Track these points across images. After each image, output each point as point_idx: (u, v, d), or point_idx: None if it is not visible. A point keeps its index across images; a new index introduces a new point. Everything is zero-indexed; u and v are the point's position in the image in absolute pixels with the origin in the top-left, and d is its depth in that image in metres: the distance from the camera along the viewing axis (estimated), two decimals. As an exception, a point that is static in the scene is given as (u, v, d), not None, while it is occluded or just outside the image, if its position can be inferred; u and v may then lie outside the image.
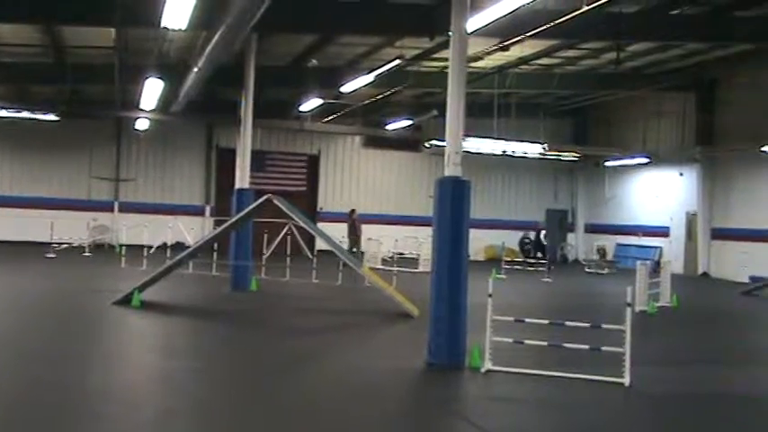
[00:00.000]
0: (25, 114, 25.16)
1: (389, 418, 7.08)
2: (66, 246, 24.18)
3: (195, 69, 16.38)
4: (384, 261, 23.86)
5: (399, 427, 6.85)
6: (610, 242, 30.51)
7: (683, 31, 18.84)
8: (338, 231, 22.78)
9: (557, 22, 14.22)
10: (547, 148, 28.30)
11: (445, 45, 9.82)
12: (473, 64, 20.50)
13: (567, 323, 9.23)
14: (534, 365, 8.72)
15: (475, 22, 11.84)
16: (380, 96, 24.50)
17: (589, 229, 33.22)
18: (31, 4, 15.03)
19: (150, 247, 22.04)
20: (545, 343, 9.09)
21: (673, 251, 27.34)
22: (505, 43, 17.68)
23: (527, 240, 30.97)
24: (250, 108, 17.37)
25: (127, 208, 28.89)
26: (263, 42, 18.21)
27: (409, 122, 28.12)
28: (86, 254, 24.19)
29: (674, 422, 7.29)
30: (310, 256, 19.99)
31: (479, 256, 30.12)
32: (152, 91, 20.22)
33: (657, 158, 27.93)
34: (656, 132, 28.50)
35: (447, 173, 9.26)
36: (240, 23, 11.83)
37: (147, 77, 18.34)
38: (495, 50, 19.22)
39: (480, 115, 24.73)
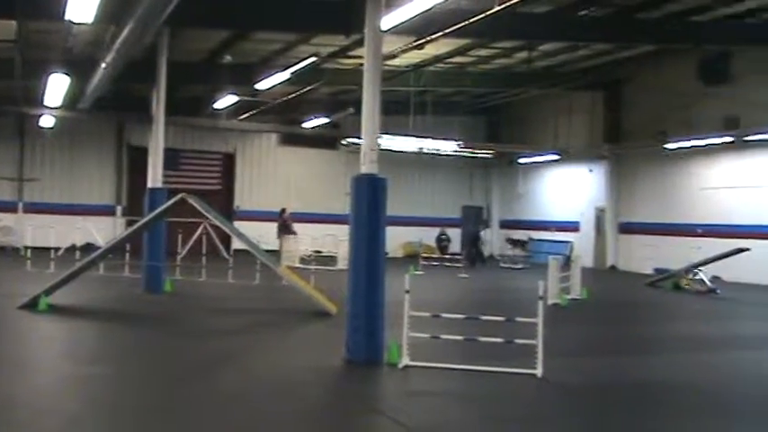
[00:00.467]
0: None
1: (308, 416, 7.05)
2: (-34, 249, 23.07)
3: (103, 65, 15.87)
4: (302, 260, 23.73)
5: (318, 424, 6.84)
6: (523, 237, 31.26)
7: (591, 33, 19.49)
8: (255, 230, 22.50)
9: (469, 21, 14.46)
10: (462, 146, 28.78)
11: (361, 42, 9.85)
12: (388, 62, 20.59)
13: (482, 317, 9.41)
14: (451, 360, 8.86)
15: (390, 20, 11.92)
16: (297, 94, 24.36)
17: (504, 225, 33.95)
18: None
19: (58, 249, 21.25)
20: (461, 337, 9.25)
21: (583, 245, 28.24)
22: (420, 42, 17.84)
23: (443, 237, 31.38)
24: (162, 105, 16.95)
25: (32, 208, 27.70)
26: (175, 37, 17.82)
27: (326, 120, 28.06)
28: (-11, 257, 23.13)
29: (584, 410, 7.53)
30: (226, 256, 19.69)
31: (398, 253, 30.36)
32: (57, 87, 19.47)
33: (568, 155, 28.80)
34: (567, 130, 29.35)
35: (363, 170, 9.29)
36: (151, 17, 11.52)
37: (51, 73, 17.65)
38: (411, 49, 19.38)
39: (396, 113, 24.94)
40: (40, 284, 13.43)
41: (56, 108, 23.83)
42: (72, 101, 22.56)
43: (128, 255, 18.68)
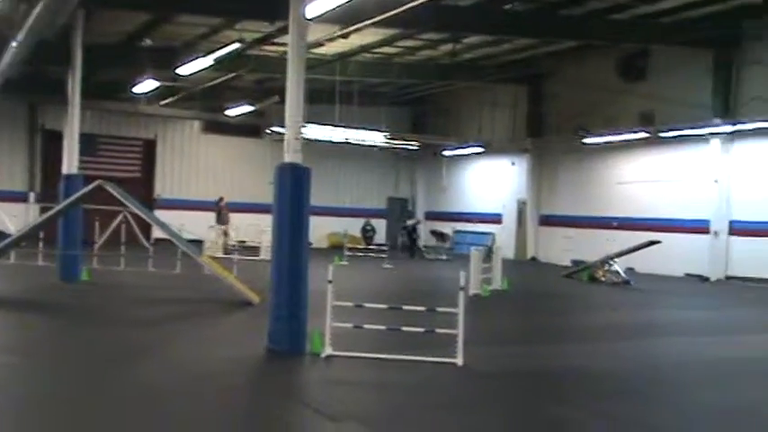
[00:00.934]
0: None
1: (228, 406, 6.96)
2: None
3: (14, 44, 15.20)
4: (225, 249, 23.39)
5: (239, 414, 6.75)
6: (447, 229, 31.61)
7: (514, 27, 19.85)
8: (177, 219, 22.04)
9: (395, 11, 14.50)
10: (388, 137, 28.87)
11: (286, 30, 9.72)
12: (314, 50, 20.49)
13: (405, 307, 9.48)
14: (373, 349, 8.89)
15: (315, 7, 11.83)
16: (220, 80, 23.96)
17: (428, 217, 34.26)
18: None
19: (-34, 237, 20.31)
20: (384, 327, 9.29)
21: (505, 237, 28.78)
22: (346, 31, 17.81)
23: (368, 227, 31.47)
24: (78, 88, 16.37)
25: (-64, 195, 26.44)
26: (92, 18, 17.23)
27: (250, 108, 27.68)
28: None
29: (502, 397, 7.68)
30: (147, 245, 19.22)
31: (322, 243, 30.27)
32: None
33: (491, 148, 29.25)
34: (491, 123, 29.80)
35: (287, 159, 9.20)
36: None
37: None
38: (337, 37, 19.32)
39: (322, 102, 24.80)
40: (-54, 274, 12.83)
41: (-38, 89, 22.72)
42: (-20, 82, 21.54)
43: (41, 243, 18.02)
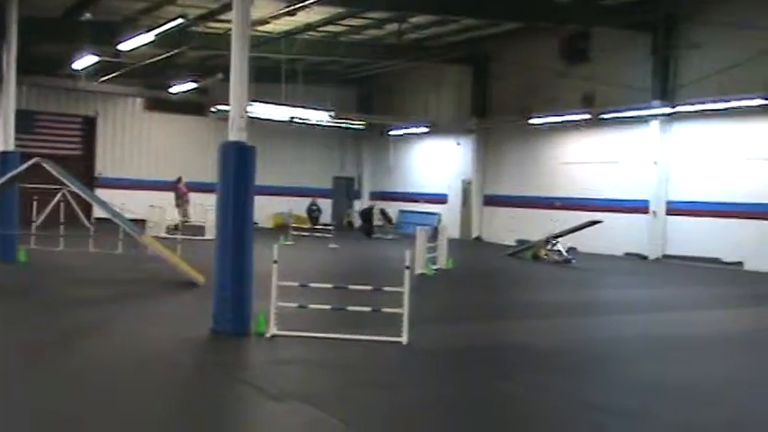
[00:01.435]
0: None
1: (171, 387, 6.92)
2: None
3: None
4: (168, 229, 23.06)
5: (181, 395, 6.72)
6: (393, 208, 31.69)
7: (459, 7, 19.91)
8: (118, 198, 21.63)
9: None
10: (334, 116, 28.74)
11: (230, 6, 9.57)
12: (259, 28, 20.22)
13: (351, 287, 9.52)
14: (318, 329, 8.92)
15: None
16: (163, 57, 23.46)
17: (374, 197, 34.30)
18: None
19: None
20: (329, 306, 9.32)
21: (450, 217, 29.01)
22: (292, 8, 17.61)
23: (314, 207, 31.37)
24: (13, 63, 15.84)
25: None
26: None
27: (194, 86, 27.22)
28: None
29: (446, 374, 7.81)
30: (87, 225, 18.81)
31: (268, 223, 30.06)
32: None
33: (437, 128, 29.39)
34: (436, 103, 29.96)
35: (231, 138, 9.11)
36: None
37: None
38: (282, 15, 19.09)
39: (267, 80, 24.52)
40: None
41: None
42: None
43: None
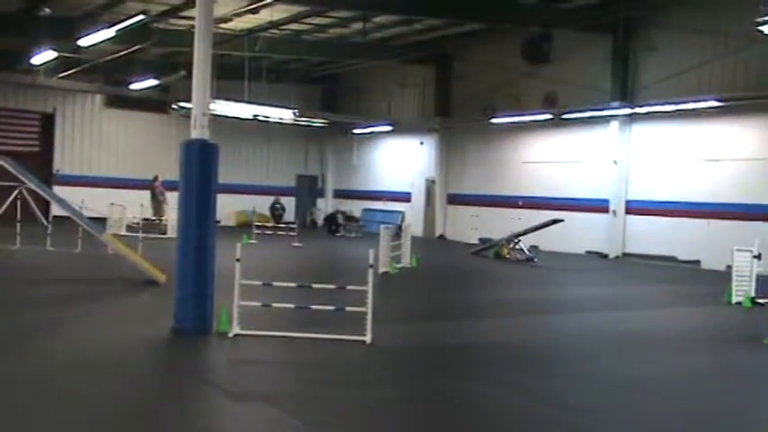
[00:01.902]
0: None
1: (131, 386, 6.84)
2: None
3: None
4: (129, 227, 22.76)
5: (143, 395, 6.65)
6: (357, 207, 31.67)
7: (421, 7, 19.98)
8: (77, 196, 21.28)
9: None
10: (297, 114, 28.64)
11: (193, 3, 9.49)
12: (222, 25, 20.07)
13: (314, 286, 9.50)
14: (282, 328, 8.89)
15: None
16: (124, 53, 23.14)
17: (338, 195, 34.27)
18: None
19: None
20: (292, 305, 9.29)
21: (414, 215, 29.11)
22: (255, 5, 17.50)
23: (278, 205, 31.23)
24: (-31, 58, 15.52)
25: None
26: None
27: (156, 82, 26.90)
28: None
29: (409, 373, 7.85)
30: (45, 223, 18.47)
31: (231, 221, 29.85)
32: None
33: (401, 127, 29.46)
34: (400, 102, 30.04)
35: (194, 135, 9.04)
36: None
37: None
38: (245, 12, 18.98)
39: (230, 78, 24.34)
40: None
41: None
42: None
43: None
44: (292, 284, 9.69)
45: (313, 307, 9.16)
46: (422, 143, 29.53)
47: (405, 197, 30.40)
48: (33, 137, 28.88)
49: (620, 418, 6.42)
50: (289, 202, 32.73)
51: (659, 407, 6.79)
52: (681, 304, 13.89)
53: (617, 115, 22.09)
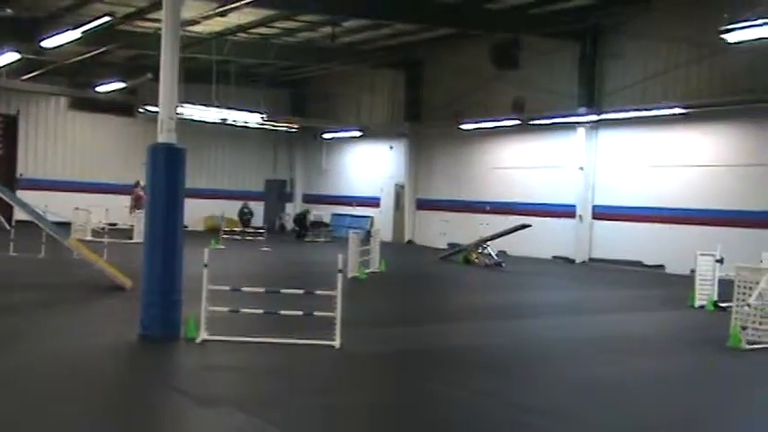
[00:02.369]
0: None
1: (97, 393, 6.74)
2: None
3: None
4: (94, 232, 22.44)
5: (110, 402, 6.55)
6: (326, 212, 31.60)
7: (390, 12, 20.04)
8: (41, 200, 20.92)
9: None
10: (266, 119, 28.52)
11: (160, 5, 9.40)
12: (190, 28, 19.94)
13: (283, 291, 9.45)
14: (250, 333, 8.83)
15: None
16: (89, 55, 22.85)
17: (307, 200, 34.15)
18: None
19: None
20: (261, 311, 9.23)
21: (383, 220, 29.13)
22: (223, 9, 17.40)
23: (246, 210, 31.05)
24: (-71, 59, 15.20)
25: None
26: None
27: (122, 85, 26.58)
28: None
29: (377, 377, 7.85)
30: (8, 227, 18.13)
31: (198, 226, 29.59)
32: None
33: (370, 132, 29.48)
34: (369, 107, 30.07)
35: (161, 139, 8.95)
36: None
37: None
38: (213, 15, 18.86)
39: (198, 81, 24.17)
40: None
41: None
42: None
43: None
44: (261, 289, 9.64)
45: (282, 312, 9.10)
46: (391, 148, 29.57)
47: (374, 202, 30.41)
48: (-5, 140, 28.39)
49: (588, 421, 6.47)
50: (257, 207, 32.56)
51: (626, 410, 6.86)
52: (645, 308, 14.07)
53: (583, 122, 22.34)
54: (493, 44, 24.65)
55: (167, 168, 8.91)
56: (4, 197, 13.96)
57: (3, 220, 18.80)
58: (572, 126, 22.72)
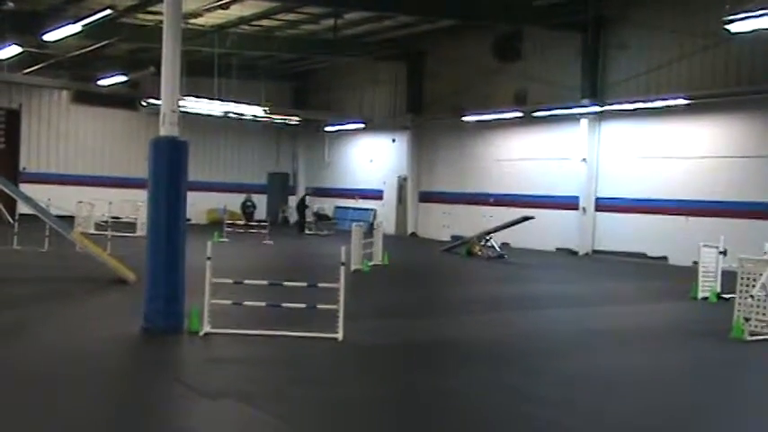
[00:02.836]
0: None
1: (104, 387, 6.75)
2: None
3: None
4: (98, 225, 22.48)
5: (114, 395, 6.56)
6: (329, 204, 31.61)
7: (393, 3, 19.99)
8: (44, 193, 20.98)
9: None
10: (269, 111, 28.50)
11: (161, -2, 9.39)
12: (192, 20, 19.92)
13: (286, 283, 9.45)
14: (254, 326, 8.84)
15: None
16: (91, 48, 22.83)
17: (310, 193, 34.09)
18: None
19: None
20: (264, 303, 9.23)
21: (386, 213, 29.12)
22: (225, 1, 17.37)
23: (249, 203, 31.06)
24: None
25: None
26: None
27: (124, 79, 26.57)
28: None
29: (380, 370, 7.84)
30: (11, 221, 18.16)
31: (201, 219, 29.62)
32: None
33: (373, 124, 29.43)
34: (372, 99, 30.03)
35: (163, 133, 8.94)
36: None
37: None
38: (215, 8, 18.84)
39: (200, 74, 24.15)
40: None
41: None
42: None
43: None
44: (264, 282, 9.64)
45: (285, 305, 9.10)
46: (394, 140, 29.54)
47: (377, 195, 30.39)
48: (-2, 134, 28.42)
49: (593, 412, 6.47)
50: (260, 200, 32.56)
51: (631, 401, 6.86)
52: (649, 300, 14.06)
53: (586, 113, 22.27)
54: (495, 36, 24.64)
55: (170, 161, 8.90)
56: (7, 191, 13.97)
57: (6, 213, 18.83)
58: (575, 118, 22.65)
